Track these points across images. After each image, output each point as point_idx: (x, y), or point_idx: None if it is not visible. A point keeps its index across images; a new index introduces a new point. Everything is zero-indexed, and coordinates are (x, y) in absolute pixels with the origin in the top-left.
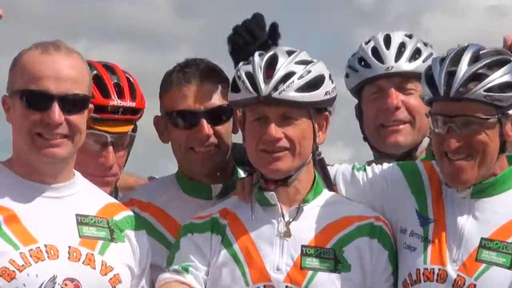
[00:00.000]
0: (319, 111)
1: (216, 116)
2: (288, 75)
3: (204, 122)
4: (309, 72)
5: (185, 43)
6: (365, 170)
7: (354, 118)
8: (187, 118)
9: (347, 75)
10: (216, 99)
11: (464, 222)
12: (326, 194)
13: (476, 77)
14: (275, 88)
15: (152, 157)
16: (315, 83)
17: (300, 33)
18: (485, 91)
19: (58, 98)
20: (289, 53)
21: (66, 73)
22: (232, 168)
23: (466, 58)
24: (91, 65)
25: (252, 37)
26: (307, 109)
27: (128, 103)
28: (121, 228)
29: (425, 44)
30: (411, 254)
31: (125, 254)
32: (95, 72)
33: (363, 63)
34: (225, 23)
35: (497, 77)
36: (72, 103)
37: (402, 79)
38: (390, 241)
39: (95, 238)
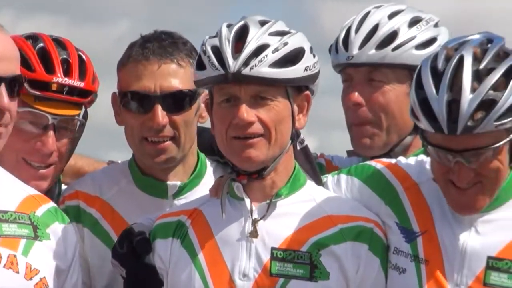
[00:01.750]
0: (298, 90)
1: (174, 102)
2: (261, 48)
3: (159, 108)
4: (285, 44)
5: (126, 17)
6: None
7: (318, 102)
8: (140, 101)
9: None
10: (177, 83)
11: (466, 237)
12: (308, 188)
13: (483, 104)
14: (246, 63)
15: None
16: (293, 57)
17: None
18: (495, 120)
19: (5, 81)
20: (262, 23)
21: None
22: (196, 162)
23: (467, 79)
24: (37, 37)
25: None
26: (284, 87)
27: (75, 82)
28: (45, 223)
29: (411, 24)
30: (401, 277)
31: (51, 253)
32: (41, 44)
33: (335, 46)
34: None
35: (506, 99)
36: (12, 86)
37: (369, 70)
38: (382, 246)
39: (17, 236)
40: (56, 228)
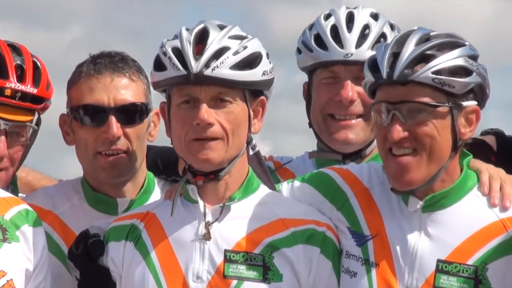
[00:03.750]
0: (255, 95)
1: (128, 114)
2: (222, 51)
3: (113, 119)
4: (245, 47)
5: (77, 22)
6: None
7: (273, 106)
8: (93, 114)
9: (299, 51)
10: (130, 95)
11: (416, 240)
12: (262, 192)
13: (424, 58)
14: (207, 65)
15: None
16: (251, 61)
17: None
18: (433, 73)
19: None
20: (221, 27)
21: None
22: (144, 179)
23: (413, 39)
24: None
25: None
26: (242, 91)
27: (28, 88)
28: (15, 225)
29: (392, 27)
30: (352, 281)
31: (20, 255)
32: None
33: (319, 42)
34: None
35: (449, 58)
36: None
37: (361, 68)
38: (334, 249)
39: None
40: (26, 231)
